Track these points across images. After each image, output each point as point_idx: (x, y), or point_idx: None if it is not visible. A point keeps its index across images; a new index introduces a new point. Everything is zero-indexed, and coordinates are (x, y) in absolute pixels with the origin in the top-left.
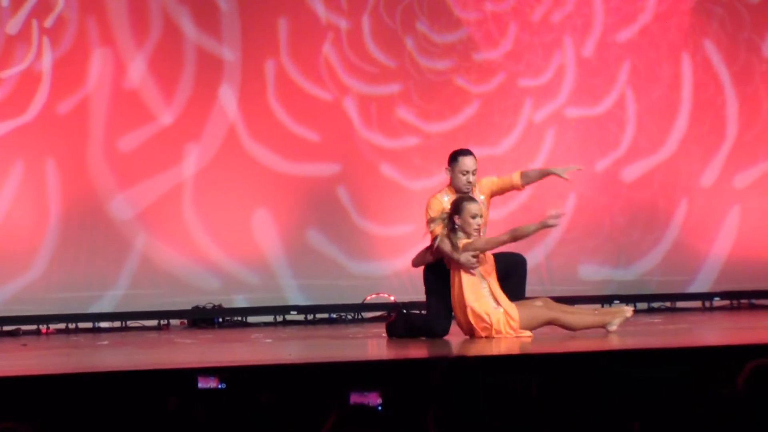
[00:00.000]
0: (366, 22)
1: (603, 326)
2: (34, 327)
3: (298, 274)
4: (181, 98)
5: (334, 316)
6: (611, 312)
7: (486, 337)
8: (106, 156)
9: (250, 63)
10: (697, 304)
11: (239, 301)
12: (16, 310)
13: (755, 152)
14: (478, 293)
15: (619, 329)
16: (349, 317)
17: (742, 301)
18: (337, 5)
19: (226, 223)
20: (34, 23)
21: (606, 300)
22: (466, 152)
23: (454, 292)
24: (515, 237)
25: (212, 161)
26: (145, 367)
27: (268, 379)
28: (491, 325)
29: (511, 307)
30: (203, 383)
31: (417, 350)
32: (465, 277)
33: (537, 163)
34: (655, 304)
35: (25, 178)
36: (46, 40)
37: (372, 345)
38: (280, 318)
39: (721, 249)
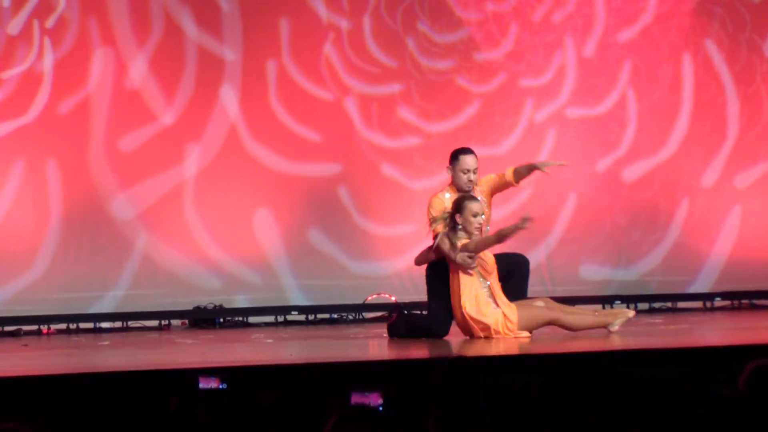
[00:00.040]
0: (367, 23)
1: (604, 326)
2: (35, 327)
3: (299, 274)
4: (183, 98)
5: (335, 316)
6: (612, 313)
7: (485, 337)
8: (107, 156)
9: (251, 63)
10: (698, 304)
11: (240, 302)
12: (17, 310)
13: (756, 152)
14: (477, 293)
15: (620, 329)
16: (350, 317)
17: (743, 301)
18: (338, 5)
19: (227, 223)
20: (35, 24)
21: (607, 300)
22: (467, 151)
23: (453, 291)
24: (500, 237)
25: (213, 161)
26: (146, 367)
27: (269, 379)
28: (489, 326)
29: (509, 308)
30: (204, 383)
31: (418, 350)
32: (463, 278)
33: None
34: (656, 305)
35: (26, 178)
36: (47, 40)
37: (373, 345)
38: (281, 318)
39: (722, 249)
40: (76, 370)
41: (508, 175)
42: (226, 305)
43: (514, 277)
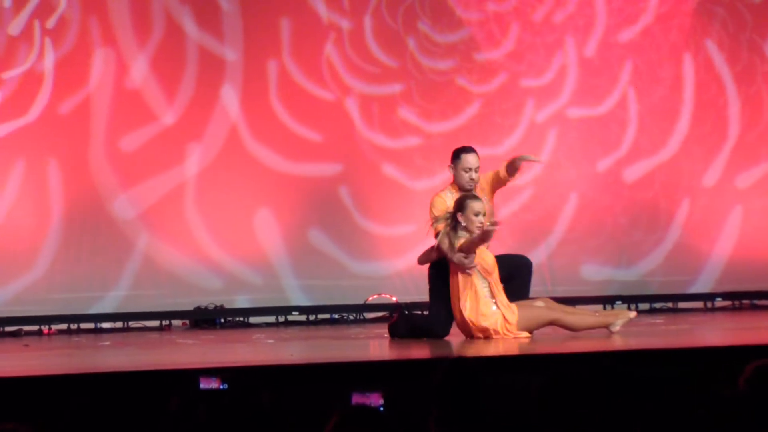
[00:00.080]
0: (368, 22)
1: (605, 327)
2: (35, 327)
3: (300, 274)
4: (183, 98)
5: (335, 316)
6: (614, 313)
7: (485, 338)
8: (108, 156)
9: (252, 63)
10: (699, 304)
11: (241, 302)
12: (18, 310)
13: (757, 152)
14: (477, 293)
15: (621, 329)
16: (351, 318)
17: (744, 301)
18: (338, 5)
19: (228, 223)
20: (36, 24)
21: (608, 301)
22: (468, 149)
23: (453, 292)
24: (484, 236)
25: (214, 161)
26: (146, 367)
27: (269, 379)
28: (488, 328)
29: (509, 308)
30: (205, 384)
31: (419, 351)
32: (463, 278)
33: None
34: (657, 305)
35: (27, 178)
36: (48, 40)
37: (374, 345)
38: (281, 318)
39: (722, 249)
40: (76, 371)
41: (502, 171)
42: (227, 305)
43: (516, 278)
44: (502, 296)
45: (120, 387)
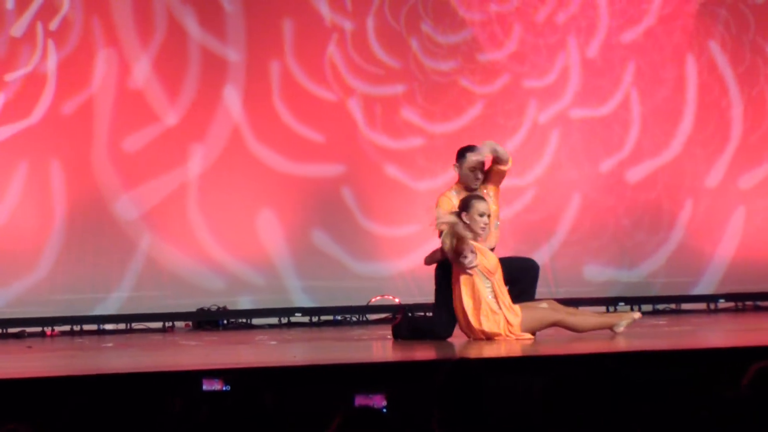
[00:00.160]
0: (370, 23)
1: (609, 328)
2: (38, 329)
3: (303, 275)
4: (186, 99)
5: (338, 318)
6: (617, 315)
7: (487, 339)
8: (110, 157)
9: (254, 64)
10: (702, 305)
11: (244, 303)
12: (21, 312)
13: (760, 153)
14: (480, 294)
15: (624, 330)
16: (354, 319)
17: (747, 303)
18: (341, 6)
19: (231, 224)
20: (39, 25)
21: (611, 302)
22: (473, 149)
23: (456, 293)
24: (454, 233)
25: (217, 162)
26: (149, 369)
27: (272, 381)
28: (490, 328)
29: (511, 310)
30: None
31: (422, 352)
32: (465, 278)
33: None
34: (660, 306)
35: (30, 179)
36: (50, 42)
37: (377, 347)
38: (284, 320)
39: (725, 250)
40: (79, 372)
41: (495, 166)
42: (230, 307)
43: (521, 281)
44: (505, 297)
45: (123, 388)
